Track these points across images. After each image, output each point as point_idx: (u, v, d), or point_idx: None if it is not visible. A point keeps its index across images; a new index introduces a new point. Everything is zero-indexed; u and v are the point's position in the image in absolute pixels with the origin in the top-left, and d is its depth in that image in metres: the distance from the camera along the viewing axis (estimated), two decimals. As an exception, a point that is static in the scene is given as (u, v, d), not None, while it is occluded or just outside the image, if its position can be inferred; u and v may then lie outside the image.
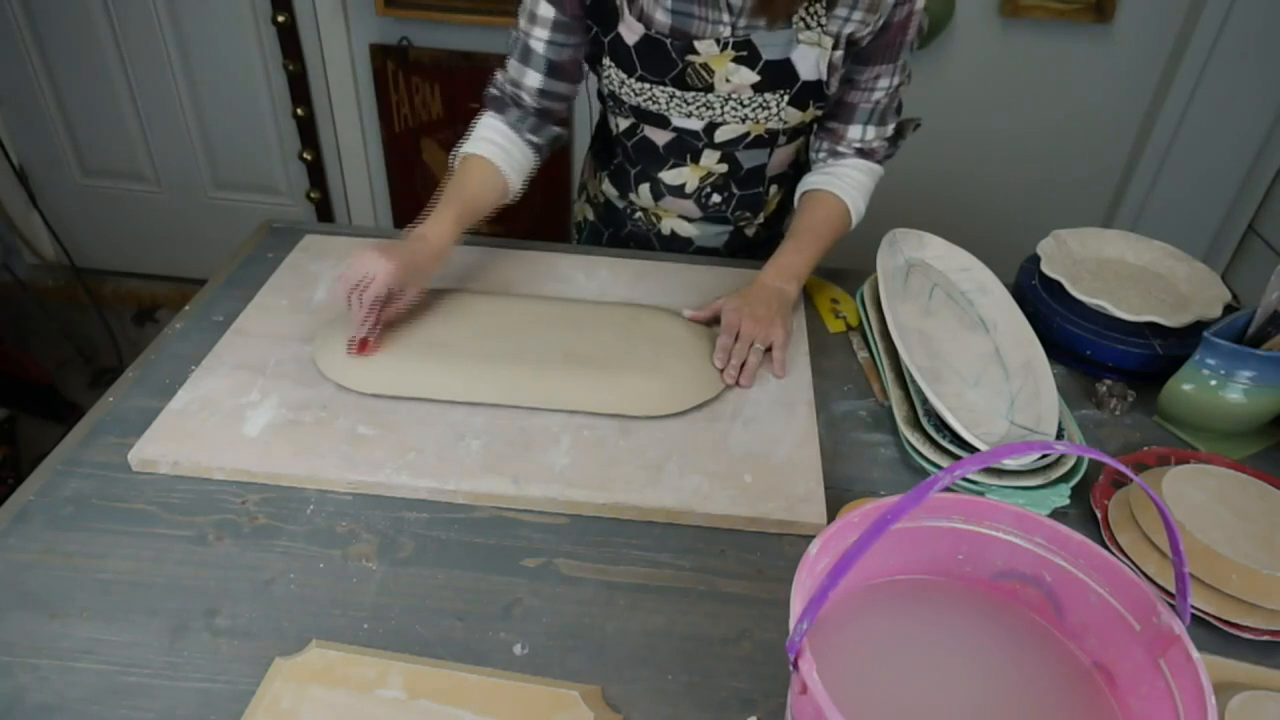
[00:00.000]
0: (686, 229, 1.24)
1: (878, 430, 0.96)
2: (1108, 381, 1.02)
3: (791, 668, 0.51)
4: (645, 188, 1.20)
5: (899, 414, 0.93)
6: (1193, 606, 0.75)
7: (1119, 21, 1.94)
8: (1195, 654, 0.52)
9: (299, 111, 2.26)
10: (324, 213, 2.45)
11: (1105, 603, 0.58)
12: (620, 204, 1.26)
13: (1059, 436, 0.89)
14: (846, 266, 1.22)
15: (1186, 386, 0.94)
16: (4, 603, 0.73)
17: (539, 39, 1.03)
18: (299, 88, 2.23)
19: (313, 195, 2.41)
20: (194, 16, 2.16)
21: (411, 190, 2.35)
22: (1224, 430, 0.95)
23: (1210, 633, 0.75)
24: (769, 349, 1.00)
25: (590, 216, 1.33)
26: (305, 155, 2.32)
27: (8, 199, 2.46)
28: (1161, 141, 2.07)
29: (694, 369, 0.96)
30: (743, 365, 0.97)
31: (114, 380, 0.97)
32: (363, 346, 0.94)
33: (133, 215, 2.53)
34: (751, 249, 1.28)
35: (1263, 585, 0.73)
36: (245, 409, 0.90)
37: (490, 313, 1.02)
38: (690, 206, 1.20)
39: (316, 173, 2.37)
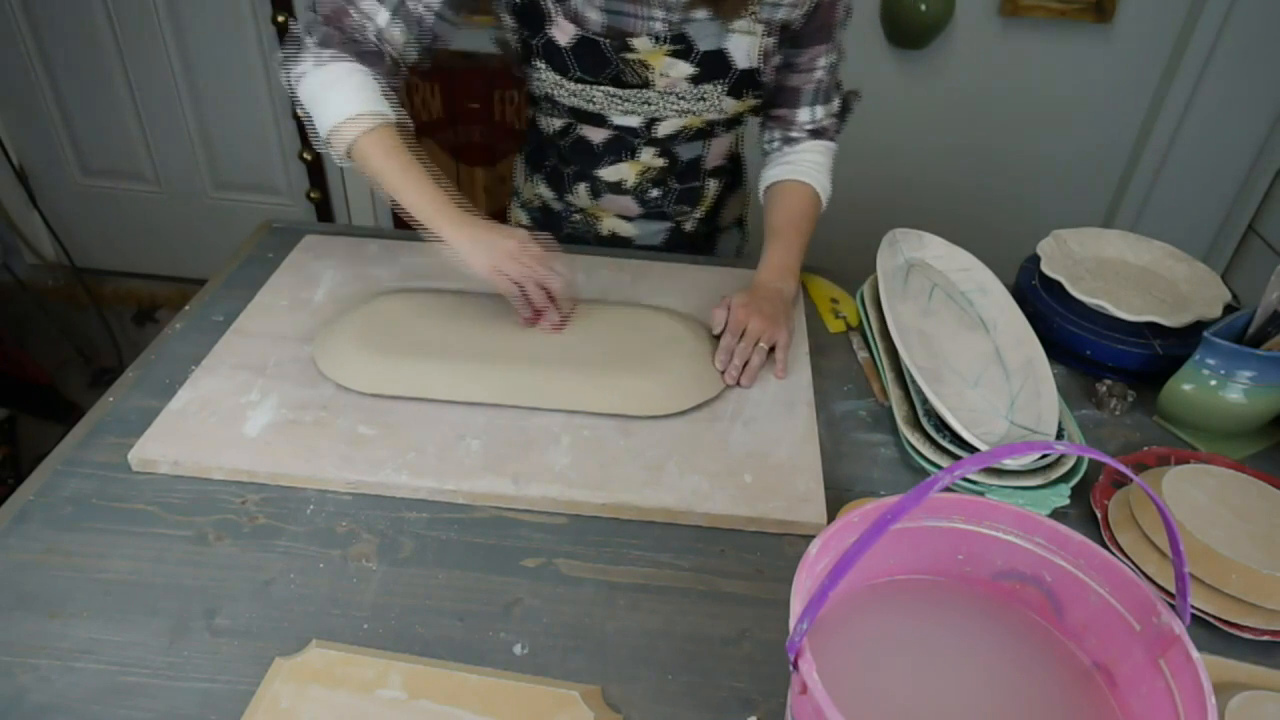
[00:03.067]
0: (626, 228, 1.24)
1: (878, 430, 0.96)
2: (1108, 381, 1.02)
3: (791, 668, 0.51)
4: (583, 187, 1.19)
5: (899, 414, 0.93)
6: (1193, 606, 0.75)
7: (1119, 21, 1.94)
8: (1195, 654, 0.51)
9: (299, 111, 2.25)
10: (324, 213, 2.45)
11: (1105, 603, 0.58)
12: (557, 206, 1.25)
13: (1059, 436, 0.89)
14: (846, 266, 1.21)
15: (1186, 386, 0.94)
16: (4, 603, 0.73)
17: None
18: (299, 88, 2.23)
19: (313, 195, 2.41)
20: (194, 16, 2.16)
21: (411, 190, 2.35)
22: (1224, 430, 0.95)
23: (1210, 633, 0.75)
24: (771, 349, 1.00)
25: (525, 221, 1.31)
26: (305, 155, 2.32)
27: (8, 199, 2.46)
28: (1161, 141, 2.07)
29: (694, 369, 0.96)
30: (744, 365, 0.97)
31: (114, 380, 0.97)
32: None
33: (133, 215, 2.53)
34: (692, 245, 1.28)
35: (1263, 585, 0.73)
36: (245, 409, 0.90)
37: (490, 313, 1.02)
38: (629, 203, 1.20)
39: (316, 173, 2.38)
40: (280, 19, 2.10)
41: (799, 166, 1.12)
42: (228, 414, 0.90)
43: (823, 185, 1.13)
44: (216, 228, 2.52)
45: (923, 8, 1.89)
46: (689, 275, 1.16)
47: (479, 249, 0.94)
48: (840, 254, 1.17)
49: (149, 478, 0.84)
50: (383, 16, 0.95)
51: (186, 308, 1.07)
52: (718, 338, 1.01)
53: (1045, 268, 1.09)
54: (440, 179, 0.96)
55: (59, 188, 2.49)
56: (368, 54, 0.96)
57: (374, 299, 1.04)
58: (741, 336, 0.98)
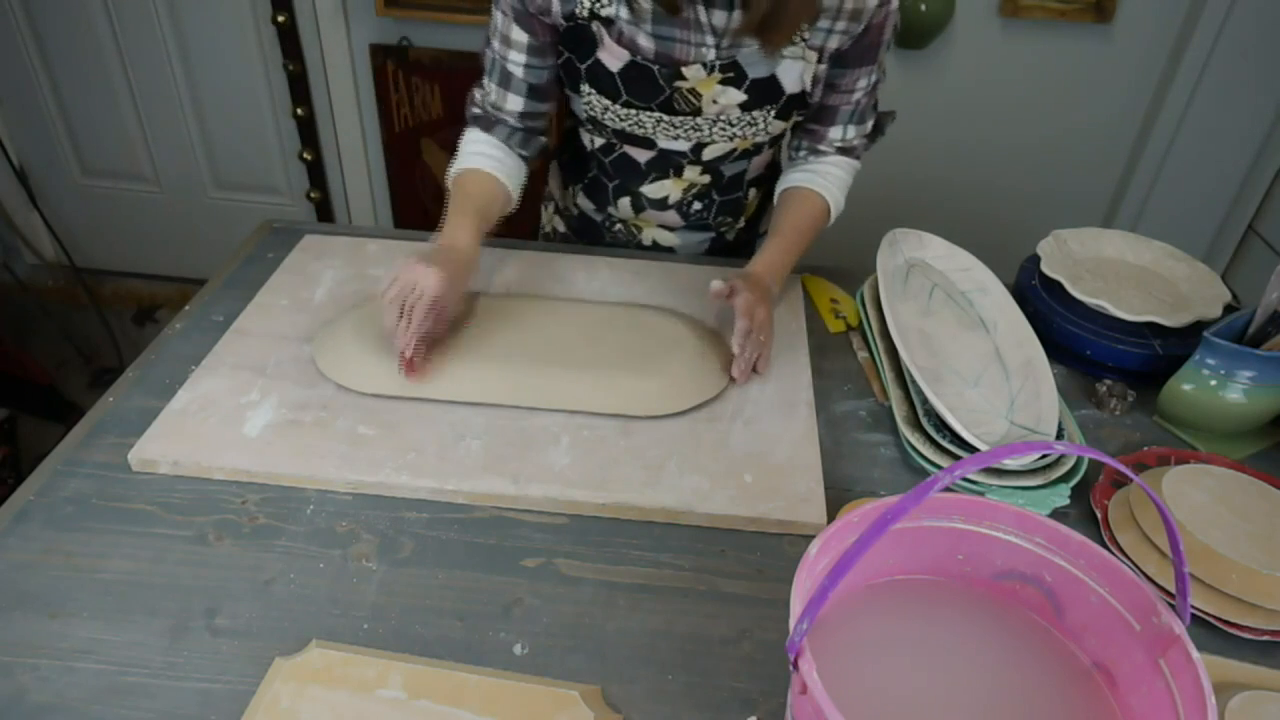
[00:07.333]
0: (668, 238, 1.24)
1: (878, 430, 0.96)
2: (1108, 381, 1.02)
3: (791, 668, 0.51)
4: (625, 201, 1.19)
5: (899, 414, 0.93)
6: (1193, 606, 0.75)
7: (1119, 21, 1.94)
8: (1195, 654, 0.52)
9: (299, 111, 2.26)
10: (324, 213, 2.45)
11: (1105, 603, 0.58)
12: (598, 217, 1.24)
13: (1059, 436, 0.89)
14: (846, 266, 1.21)
15: (1186, 386, 0.94)
16: (4, 603, 0.73)
17: (516, 63, 1.03)
18: (299, 88, 2.23)
19: (313, 195, 2.41)
20: (194, 16, 2.16)
21: (411, 190, 2.35)
22: (1224, 430, 0.95)
23: (1210, 633, 0.75)
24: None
25: (562, 228, 1.31)
26: (305, 155, 2.32)
27: (8, 199, 2.46)
28: (1161, 141, 2.07)
29: (694, 369, 0.96)
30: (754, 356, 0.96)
31: (114, 380, 0.97)
32: (411, 366, 0.91)
33: (133, 215, 2.53)
34: (732, 251, 1.27)
35: (1263, 585, 0.73)
36: (245, 409, 0.90)
37: (490, 313, 1.02)
38: (673, 217, 1.20)
39: (316, 173, 2.37)
40: (280, 19, 2.10)
41: (820, 177, 1.12)
42: (228, 414, 0.90)
43: (836, 201, 1.13)
44: (216, 228, 2.51)
45: (923, 8, 1.89)
46: (689, 275, 1.16)
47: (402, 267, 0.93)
48: (840, 254, 1.16)
49: (149, 478, 0.85)
50: (506, 98, 1.07)
51: (186, 308, 1.07)
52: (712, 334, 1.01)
53: (1045, 268, 1.09)
54: (475, 216, 1.04)
55: (59, 188, 2.49)
56: (491, 123, 1.09)
57: (374, 299, 1.03)
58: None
